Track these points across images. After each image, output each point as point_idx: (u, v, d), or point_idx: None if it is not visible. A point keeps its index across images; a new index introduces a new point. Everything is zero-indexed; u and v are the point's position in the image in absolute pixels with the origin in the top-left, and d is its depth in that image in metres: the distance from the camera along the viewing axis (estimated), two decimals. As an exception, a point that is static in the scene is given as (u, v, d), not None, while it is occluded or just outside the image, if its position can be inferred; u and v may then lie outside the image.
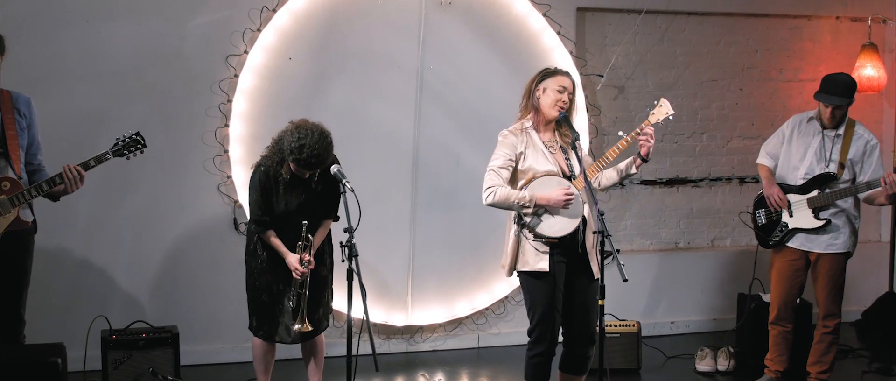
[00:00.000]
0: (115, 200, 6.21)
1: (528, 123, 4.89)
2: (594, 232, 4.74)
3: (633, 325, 6.42)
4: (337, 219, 5.21)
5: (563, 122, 4.81)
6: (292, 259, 4.99)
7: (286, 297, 5.11)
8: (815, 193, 5.62)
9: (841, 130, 5.62)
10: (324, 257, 5.24)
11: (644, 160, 4.87)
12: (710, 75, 7.52)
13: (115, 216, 6.23)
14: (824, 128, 5.65)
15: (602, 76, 7.14)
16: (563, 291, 4.82)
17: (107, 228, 6.23)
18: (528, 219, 4.77)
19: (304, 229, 4.96)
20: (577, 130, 4.79)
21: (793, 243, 5.74)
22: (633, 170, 4.93)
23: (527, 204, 4.70)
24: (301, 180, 5.03)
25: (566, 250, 4.80)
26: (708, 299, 7.55)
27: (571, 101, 4.86)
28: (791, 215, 5.70)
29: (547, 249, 4.77)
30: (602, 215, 4.50)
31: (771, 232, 5.82)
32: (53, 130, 5.92)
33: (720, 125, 7.55)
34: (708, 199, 7.64)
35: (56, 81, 6.03)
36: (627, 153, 4.94)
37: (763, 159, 5.98)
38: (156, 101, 6.23)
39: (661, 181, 7.52)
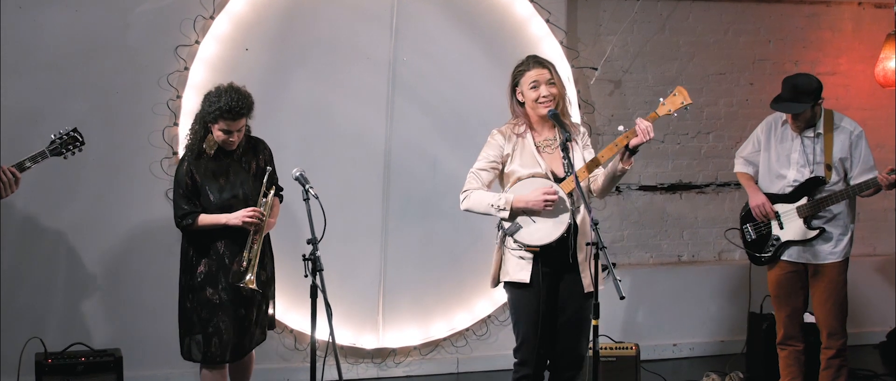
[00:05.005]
0: (51, 207, 6.27)
1: (522, 126, 4.93)
2: (587, 244, 4.75)
3: (631, 347, 6.49)
4: (281, 191, 5.37)
5: (552, 120, 4.83)
6: (239, 212, 5.06)
7: (228, 313, 5.13)
8: (804, 201, 5.68)
9: (820, 128, 5.68)
10: (263, 260, 5.26)
11: (631, 153, 4.73)
12: (717, 68, 7.63)
13: (52, 226, 6.29)
14: (802, 129, 5.73)
15: (596, 69, 7.23)
16: (549, 306, 4.85)
17: (42, 238, 6.28)
18: (506, 224, 4.82)
19: None
20: (569, 129, 4.81)
21: (788, 256, 5.80)
22: (621, 166, 4.77)
23: (503, 207, 4.74)
24: (233, 166, 5.16)
25: (553, 259, 4.83)
26: (715, 319, 7.62)
27: (556, 88, 4.83)
28: (781, 227, 5.77)
29: (530, 257, 4.81)
30: (596, 224, 4.48)
31: (762, 247, 5.89)
32: (-18, 130, 5.99)
33: (728, 124, 7.63)
34: (714, 206, 7.73)
35: (-16, 75, 6.09)
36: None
37: (742, 167, 6.05)
38: (97, 97, 6.30)
39: (663, 187, 7.61)
